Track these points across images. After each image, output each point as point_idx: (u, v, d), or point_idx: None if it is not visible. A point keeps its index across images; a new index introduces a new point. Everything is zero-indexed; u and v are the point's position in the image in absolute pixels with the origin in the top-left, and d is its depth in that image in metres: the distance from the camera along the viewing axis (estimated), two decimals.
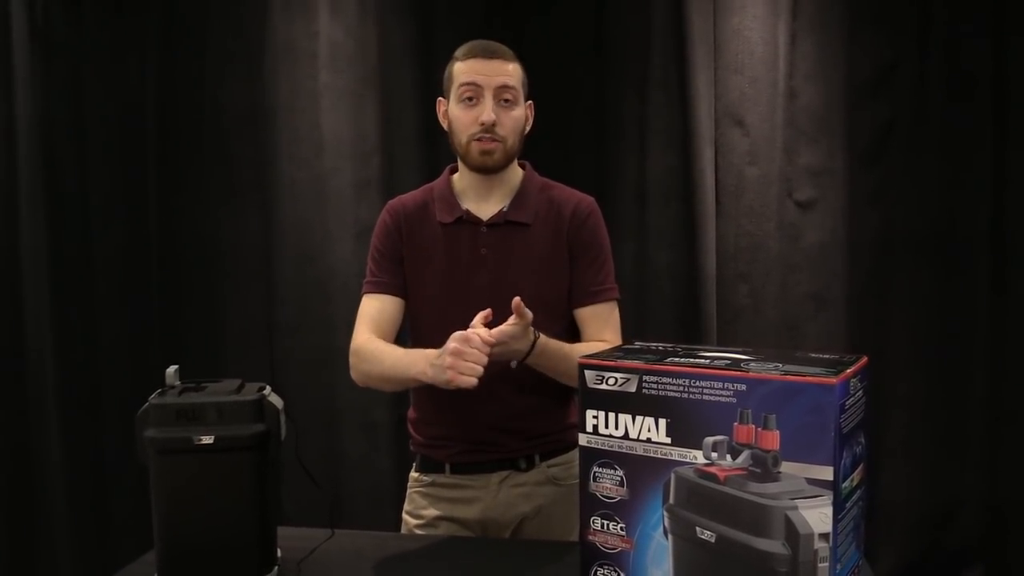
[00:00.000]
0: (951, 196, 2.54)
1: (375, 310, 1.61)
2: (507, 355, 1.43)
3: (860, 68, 2.54)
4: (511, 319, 1.38)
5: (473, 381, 1.33)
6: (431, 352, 1.42)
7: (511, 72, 1.56)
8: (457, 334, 1.36)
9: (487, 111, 1.52)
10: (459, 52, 1.58)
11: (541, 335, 1.47)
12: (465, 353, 1.33)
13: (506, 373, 1.55)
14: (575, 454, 1.66)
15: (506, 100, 1.54)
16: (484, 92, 1.53)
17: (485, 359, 1.34)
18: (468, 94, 1.54)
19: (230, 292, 2.77)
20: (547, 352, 1.48)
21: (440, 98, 1.63)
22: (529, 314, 1.39)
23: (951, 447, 2.59)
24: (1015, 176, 2.50)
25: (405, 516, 1.69)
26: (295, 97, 2.69)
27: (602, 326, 1.60)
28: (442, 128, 1.65)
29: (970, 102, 2.51)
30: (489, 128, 1.53)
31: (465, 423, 1.60)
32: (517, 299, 1.37)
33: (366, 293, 1.64)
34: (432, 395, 1.63)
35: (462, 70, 1.56)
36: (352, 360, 1.60)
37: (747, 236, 2.58)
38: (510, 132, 1.56)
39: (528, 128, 1.63)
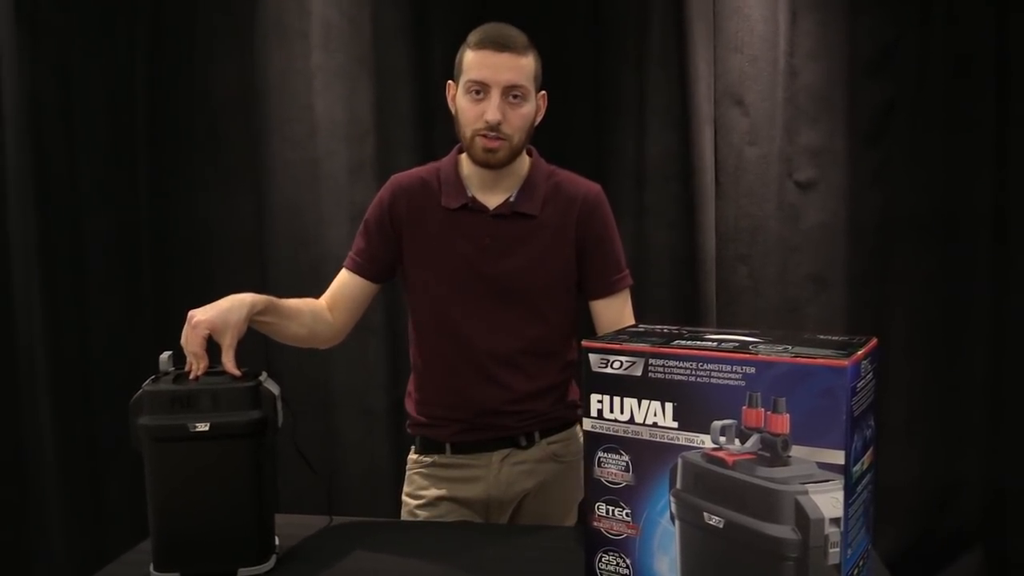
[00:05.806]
0: (953, 176, 2.52)
1: (338, 283, 1.65)
2: None
3: (861, 46, 2.51)
4: None
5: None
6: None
7: (523, 67, 1.48)
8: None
9: (492, 110, 1.46)
10: (472, 38, 1.50)
11: None
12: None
13: (507, 358, 1.54)
14: (574, 430, 1.67)
15: (515, 96, 1.48)
16: (492, 90, 1.47)
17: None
18: (475, 88, 1.48)
19: (223, 276, 2.73)
20: None
21: (450, 80, 1.56)
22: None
23: (951, 430, 2.58)
24: (1017, 155, 2.48)
25: (405, 498, 1.68)
26: (287, 77, 2.64)
27: (618, 317, 1.60)
28: (448, 111, 1.59)
29: (972, 81, 2.49)
30: (494, 127, 1.48)
31: (465, 406, 1.59)
32: None
33: (344, 266, 1.66)
34: (432, 377, 1.63)
35: (472, 63, 1.48)
36: None
37: (747, 217, 2.56)
38: (516, 130, 1.50)
39: (539, 119, 1.58)
